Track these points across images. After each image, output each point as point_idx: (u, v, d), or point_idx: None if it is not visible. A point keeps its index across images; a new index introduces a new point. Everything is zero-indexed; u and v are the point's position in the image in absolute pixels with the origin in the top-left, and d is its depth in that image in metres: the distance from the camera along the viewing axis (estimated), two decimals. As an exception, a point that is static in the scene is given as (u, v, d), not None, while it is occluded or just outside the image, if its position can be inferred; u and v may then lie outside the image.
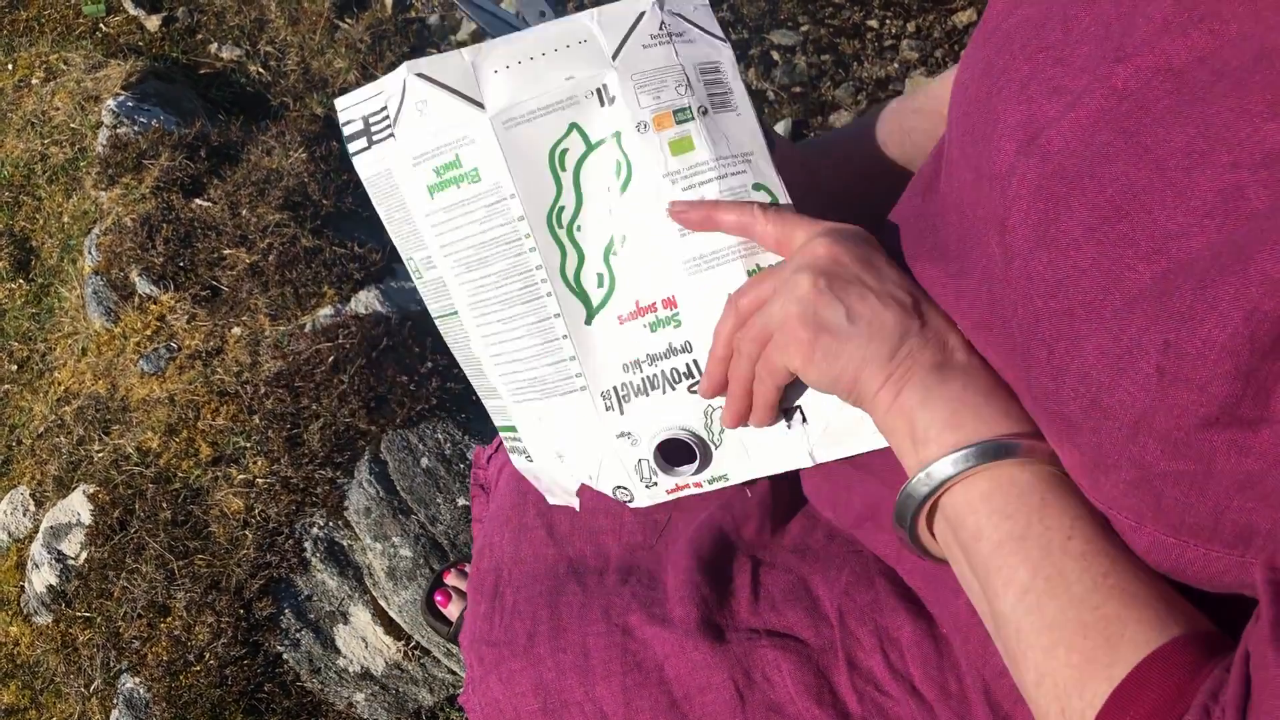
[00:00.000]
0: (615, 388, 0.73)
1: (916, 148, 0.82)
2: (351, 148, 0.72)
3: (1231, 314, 0.42)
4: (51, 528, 1.59)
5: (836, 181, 0.82)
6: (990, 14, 0.60)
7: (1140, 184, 0.47)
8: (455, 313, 0.75)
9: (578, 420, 0.75)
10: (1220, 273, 0.43)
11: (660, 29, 0.70)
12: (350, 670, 1.44)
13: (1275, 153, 0.43)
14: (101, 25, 2.53)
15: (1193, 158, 0.46)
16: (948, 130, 0.63)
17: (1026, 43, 0.55)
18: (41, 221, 2.13)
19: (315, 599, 1.48)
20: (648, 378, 0.73)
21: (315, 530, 1.51)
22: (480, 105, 0.68)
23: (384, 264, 1.82)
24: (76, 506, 1.59)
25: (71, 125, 2.22)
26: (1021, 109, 0.54)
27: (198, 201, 1.92)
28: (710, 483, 0.75)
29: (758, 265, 0.69)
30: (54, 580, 1.54)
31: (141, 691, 1.42)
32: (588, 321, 0.72)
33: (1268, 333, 0.42)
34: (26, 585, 1.58)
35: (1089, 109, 0.50)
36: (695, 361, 0.71)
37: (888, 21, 2.41)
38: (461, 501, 1.51)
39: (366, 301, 1.73)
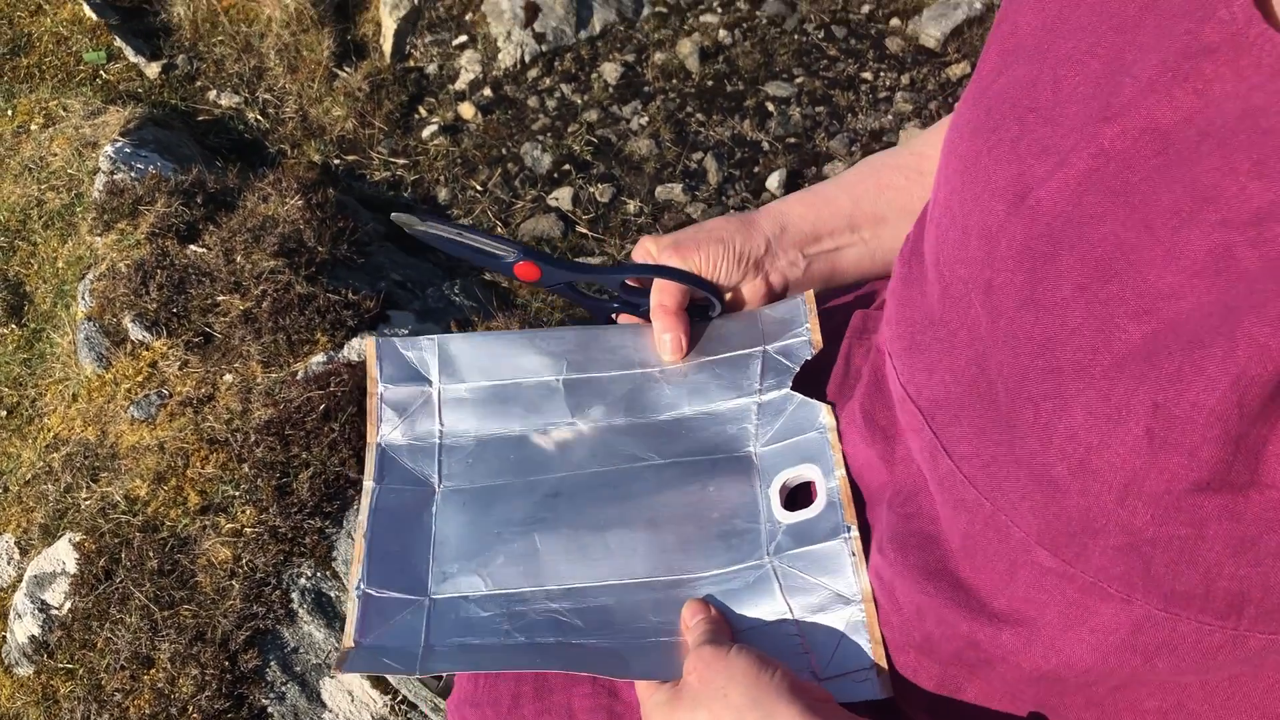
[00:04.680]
0: None
1: (890, 205, 0.82)
2: None
3: (1219, 378, 0.42)
4: (35, 577, 1.57)
5: (805, 224, 0.82)
6: (980, 75, 0.60)
7: (1129, 243, 0.47)
8: None
9: None
10: (1208, 335, 0.42)
11: None
12: (336, 725, 1.42)
13: (1262, 211, 0.43)
14: (102, 72, 2.55)
15: (1180, 216, 0.45)
16: (935, 190, 0.63)
17: (1016, 103, 0.55)
18: (36, 267, 2.12)
19: (302, 651, 1.46)
20: None
21: (303, 581, 1.49)
22: None
23: (378, 310, 1.82)
24: (62, 555, 1.57)
25: (69, 171, 2.22)
26: (1012, 168, 0.54)
27: (192, 248, 1.92)
28: None
29: None
30: (36, 630, 1.52)
31: (123, 745, 1.39)
32: None
33: (1256, 397, 0.41)
34: (8, 635, 1.56)
35: (1076, 169, 0.50)
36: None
37: (882, 74, 2.43)
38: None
39: (359, 349, 1.73)
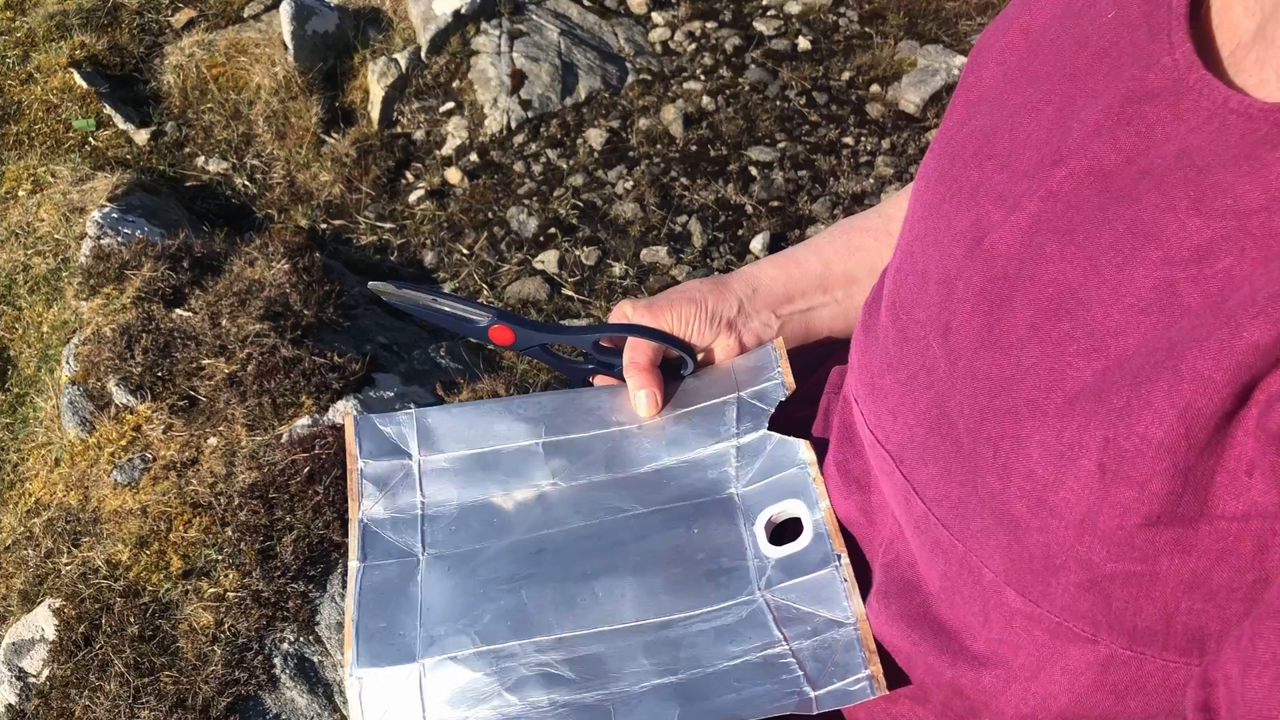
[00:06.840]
0: None
1: (860, 265, 0.84)
2: None
3: (1166, 411, 0.43)
4: (14, 644, 1.55)
5: (777, 285, 0.83)
6: (945, 126, 0.62)
7: (1076, 282, 0.48)
8: None
9: None
10: (1154, 370, 0.44)
11: None
12: (317, 794, 1.39)
13: (1202, 248, 0.44)
14: (91, 139, 2.57)
15: (1123, 254, 0.47)
16: (900, 237, 0.65)
17: (977, 151, 0.57)
18: (20, 331, 2.12)
19: (284, 717, 1.44)
20: None
21: (285, 646, 1.48)
22: None
23: (363, 373, 1.82)
24: (41, 622, 1.55)
25: (56, 236, 2.23)
26: (970, 214, 0.56)
27: (178, 312, 1.92)
28: None
29: None
30: (13, 699, 1.50)
31: (99, 817, 1.36)
32: None
33: (1203, 429, 0.42)
34: (-15, 705, 1.53)
35: (1027, 212, 0.52)
36: None
37: (863, 139, 2.47)
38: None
39: (345, 411, 1.73)
